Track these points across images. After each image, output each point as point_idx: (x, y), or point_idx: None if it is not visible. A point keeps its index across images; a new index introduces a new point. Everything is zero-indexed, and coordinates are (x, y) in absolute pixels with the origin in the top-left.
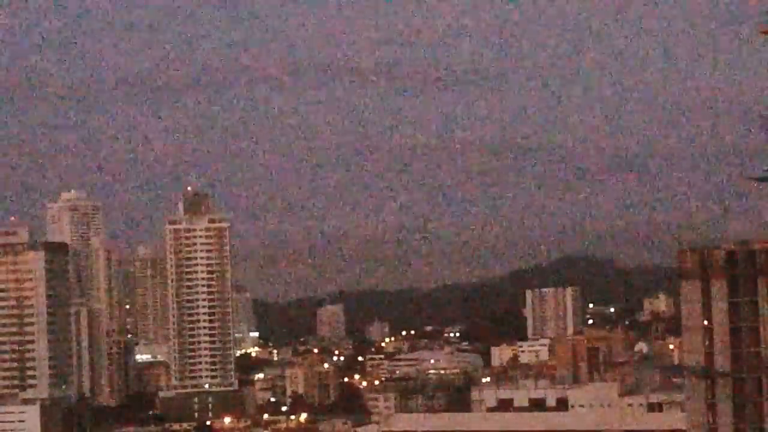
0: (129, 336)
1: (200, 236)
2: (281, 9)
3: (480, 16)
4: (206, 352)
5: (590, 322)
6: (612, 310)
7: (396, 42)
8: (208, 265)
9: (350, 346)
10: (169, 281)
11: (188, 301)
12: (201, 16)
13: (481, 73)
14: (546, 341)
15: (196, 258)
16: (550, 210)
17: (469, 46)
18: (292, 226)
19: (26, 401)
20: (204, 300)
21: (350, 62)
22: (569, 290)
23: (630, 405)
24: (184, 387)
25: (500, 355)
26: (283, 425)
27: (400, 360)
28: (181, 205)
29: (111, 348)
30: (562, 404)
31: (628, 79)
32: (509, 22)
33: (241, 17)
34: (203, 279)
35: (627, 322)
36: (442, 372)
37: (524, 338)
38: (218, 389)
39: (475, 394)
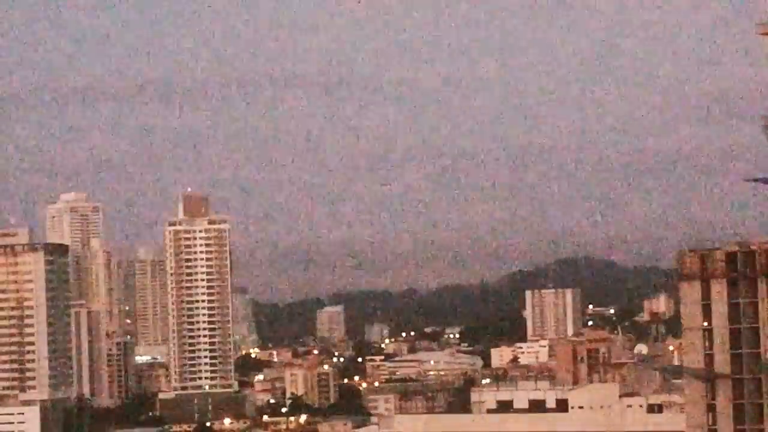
0: (128, 337)
1: (200, 238)
2: (282, 15)
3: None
4: (206, 353)
5: (590, 323)
6: (612, 311)
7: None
8: (207, 266)
9: (350, 348)
10: (169, 282)
11: (188, 302)
12: (201, 20)
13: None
14: (546, 342)
15: (195, 259)
16: (550, 211)
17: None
18: (292, 228)
19: (26, 402)
20: (204, 301)
21: (361, 74)
22: (569, 292)
23: (630, 406)
24: (184, 388)
25: (500, 356)
26: (283, 426)
27: (400, 361)
28: (180, 207)
29: (110, 349)
30: (562, 405)
31: (630, 80)
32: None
33: (243, 21)
34: (203, 280)
35: (627, 324)
36: (442, 373)
37: (524, 339)
38: (218, 390)
39: (474, 396)
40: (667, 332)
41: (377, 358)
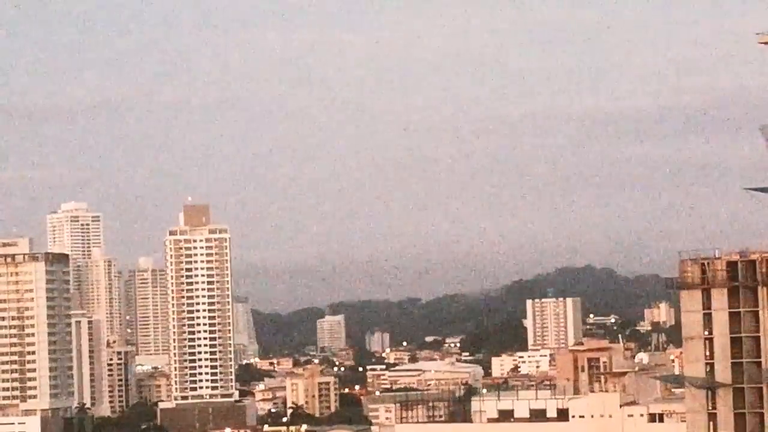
0: (129, 346)
1: (200, 247)
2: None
3: None
4: (206, 362)
5: (591, 332)
6: (612, 320)
7: None
8: (208, 275)
9: (351, 357)
10: (170, 292)
11: (188, 311)
12: (199, 32)
13: None
14: (546, 352)
15: (196, 268)
16: (551, 221)
17: None
18: (293, 238)
19: (27, 412)
20: (204, 310)
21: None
22: (570, 301)
23: (630, 416)
24: (185, 398)
25: (501, 365)
26: None
27: (400, 370)
28: (181, 216)
29: (111, 359)
30: (563, 415)
31: (629, 87)
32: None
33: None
34: (204, 290)
35: (627, 333)
36: (443, 382)
37: (525, 349)
38: (218, 400)
39: (475, 405)
40: (668, 341)
41: (378, 367)
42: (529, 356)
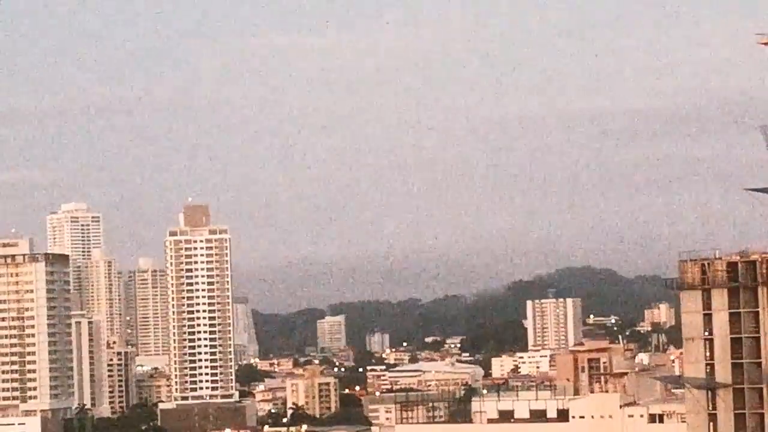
0: (129, 347)
1: (201, 247)
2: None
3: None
4: (207, 363)
5: (591, 333)
6: (613, 320)
7: None
8: (208, 276)
9: (351, 358)
10: (170, 292)
11: (189, 312)
12: (199, 33)
13: None
14: (547, 352)
15: (196, 269)
16: (551, 221)
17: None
18: (293, 237)
19: (27, 412)
20: (204, 311)
21: None
22: (570, 301)
23: (631, 416)
24: (185, 398)
25: (501, 366)
26: None
27: (401, 371)
28: (181, 217)
29: (111, 359)
30: (563, 415)
31: (630, 89)
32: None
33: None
34: (204, 290)
35: (628, 333)
36: (443, 383)
37: (525, 349)
38: (219, 400)
39: (475, 405)
40: (668, 342)
41: (378, 368)
42: (529, 357)
